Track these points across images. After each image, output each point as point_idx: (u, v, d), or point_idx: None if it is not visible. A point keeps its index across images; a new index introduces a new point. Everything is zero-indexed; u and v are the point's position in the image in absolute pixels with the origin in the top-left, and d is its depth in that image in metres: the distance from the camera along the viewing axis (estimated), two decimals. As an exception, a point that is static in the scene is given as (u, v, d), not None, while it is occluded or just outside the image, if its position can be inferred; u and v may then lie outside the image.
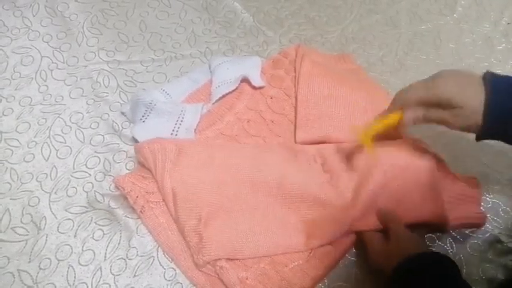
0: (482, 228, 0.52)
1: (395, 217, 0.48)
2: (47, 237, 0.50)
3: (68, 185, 0.54)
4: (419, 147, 0.52)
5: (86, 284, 0.47)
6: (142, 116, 0.57)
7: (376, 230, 0.49)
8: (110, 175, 0.54)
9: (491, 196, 0.54)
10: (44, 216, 0.51)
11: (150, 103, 0.57)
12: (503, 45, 0.69)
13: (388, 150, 0.51)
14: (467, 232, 0.52)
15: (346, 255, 0.50)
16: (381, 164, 0.50)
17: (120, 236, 0.50)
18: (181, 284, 0.48)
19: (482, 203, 0.53)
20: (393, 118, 0.47)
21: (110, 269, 0.48)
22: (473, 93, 0.41)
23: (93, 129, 0.59)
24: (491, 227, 0.52)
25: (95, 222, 0.51)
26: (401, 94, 0.47)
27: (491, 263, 0.49)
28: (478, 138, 0.45)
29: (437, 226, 0.50)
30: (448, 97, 0.42)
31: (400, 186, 0.50)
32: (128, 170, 0.55)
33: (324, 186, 0.51)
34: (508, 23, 0.72)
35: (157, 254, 0.49)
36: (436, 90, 0.42)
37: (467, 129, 0.43)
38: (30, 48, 0.66)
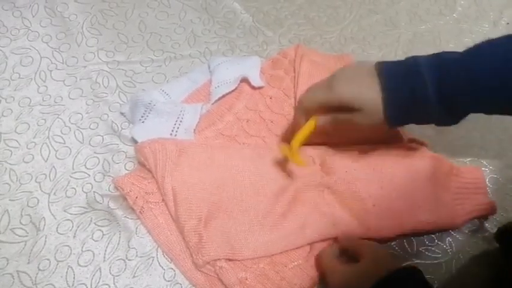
0: (482, 228, 0.52)
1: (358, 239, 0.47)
2: (46, 238, 0.50)
3: (67, 185, 0.54)
4: (417, 149, 0.53)
5: (86, 285, 0.47)
6: (142, 117, 0.57)
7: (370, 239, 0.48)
8: (109, 176, 0.54)
9: (491, 196, 0.54)
10: (43, 217, 0.51)
11: (150, 103, 0.57)
12: (503, 45, 0.69)
13: (383, 161, 0.52)
14: (466, 232, 0.52)
15: (346, 255, 0.50)
16: (377, 179, 0.51)
17: (120, 237, 0.50)
18: (180, 284, 0.47)
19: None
20: (309, 127, 0.48)
21: (109, 270, 0.48)
22: (370, 93, 0.41)
23: (93, 129, 0.58)
24: (491, 226, 0.52)
25: (94, 223, 0.51)
26: (302, 102, 0.46)
27: (491, 263, 0.49)
28: (389, 119, 0.44)
29: (448, 226, 0.50)
30: (347, 101, 0.42)
31: (399, 197, 0.50)
32: (127, 170, 0.55)
33: (323, 190, 0.52)
34: (508, 23, 0.72)
35: (157, 255, 0.49)
36: (335, 95, 0.43)
37: (375, 126, 0.43)
38: (30, 48, 0.66)
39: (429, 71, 0.39)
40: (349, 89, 0.42)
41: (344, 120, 0.45)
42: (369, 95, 0.41)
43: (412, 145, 0.53)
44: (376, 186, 0.50)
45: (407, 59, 0.42)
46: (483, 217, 0.52)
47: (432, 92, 0.39)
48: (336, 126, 0.47)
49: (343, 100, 0.42)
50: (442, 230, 0.51)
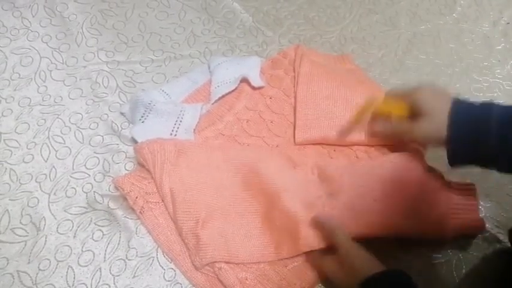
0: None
1: (342, 232, 0.46)
2: (46, 238, 0.50)
3: (67, 185, 0.54)
4: (413, 159, 0.52)
5: (86, 285, 0.47)
6: (142, 117, 0.57)
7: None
8: (109, 176, 0.54)
9: (491, 196, 0.54)
10: (43, 217, 0.51)
11: (149, 103, 0.57)
12: (503, 45, 0.69)
13: (374, 172, 0.52)
14: (466, 232, 0.52)
15: (346, 255, 0.50)
16: (370, 191, 0.51)
17: (120, 237, 0.50)
18: (180, 284, 0.47)
19: (481, 202, 0.53)
20: (400, 108, 0.50)
21: (110, 270, 0.48)
22: (441, 105, 0.46)
23: (93, 129, 0.58)
24: (491, 227, 0.52)
25: (95, 223, 0.51)
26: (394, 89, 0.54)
27: (491, 263, 0.49)
28: (450, 161, 0.48)
29: (436, 238, 0.50)
30: (420, 102, 0.48)
31: (388, 210, 0.50)
32: (127, 170, 0.55)
33: (321, 199, 0.51)
34: (508, 23, 0.72)
35: (157, 255, 0.49)
36: (413, 93, 0.49)
37: (431, 139, 0.48)
38: (30, 48, 0.66)
39: (497, 115, 0.44)
40: (426, 95, 0.48)
41: (405, 130, 0.50)
42: (439, 105, 0.46)
43: (409, 153, 0.53)
44: (368, 198, 0.50)
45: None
46: (473, 234, 0.51)
47: (494, 124, 0.43)
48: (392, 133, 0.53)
49: (417, 101, 0.48)
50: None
